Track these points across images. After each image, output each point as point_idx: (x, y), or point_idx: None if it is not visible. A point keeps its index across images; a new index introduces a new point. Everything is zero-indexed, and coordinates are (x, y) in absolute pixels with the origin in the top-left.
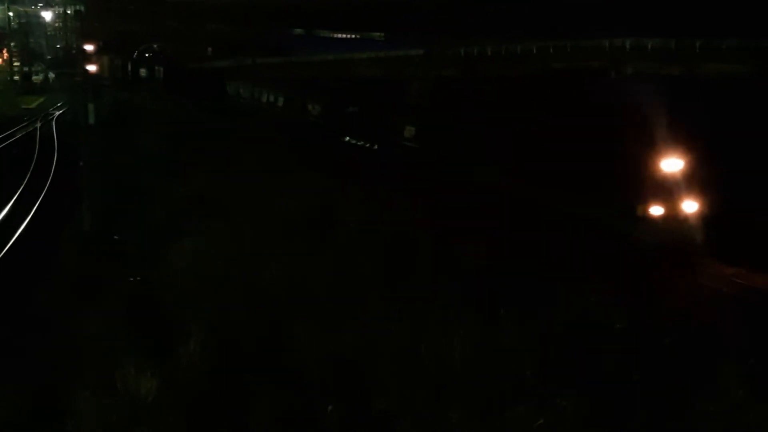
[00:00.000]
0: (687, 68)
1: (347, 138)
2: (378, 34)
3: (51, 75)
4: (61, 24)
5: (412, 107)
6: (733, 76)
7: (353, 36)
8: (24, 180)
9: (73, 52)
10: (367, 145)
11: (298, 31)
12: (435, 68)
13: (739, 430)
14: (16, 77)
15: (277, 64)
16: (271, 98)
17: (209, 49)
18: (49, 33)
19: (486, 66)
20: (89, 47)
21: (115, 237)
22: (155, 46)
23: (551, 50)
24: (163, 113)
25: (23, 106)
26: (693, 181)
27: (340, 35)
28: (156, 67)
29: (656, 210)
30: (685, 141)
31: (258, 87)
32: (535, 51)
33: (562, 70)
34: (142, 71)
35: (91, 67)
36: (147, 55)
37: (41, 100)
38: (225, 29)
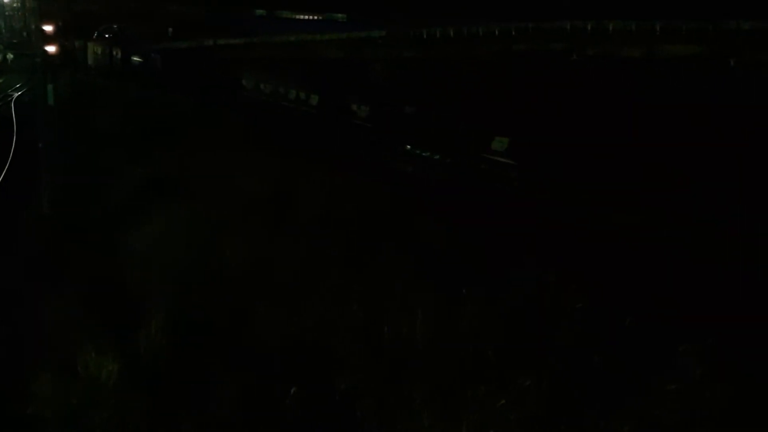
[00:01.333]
0: (647, 50)
1: (408, 147)
2: (341, 15)
3: (10, 56)
4: (19, 4)
5: (496, 110)
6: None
7: (315, 17)
8: None
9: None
10: (436, 156)
11: (260, 12)
12: (397, 49)
13: (697, 408)
14: None
15: (238, 45)
16: (302, 95)
17: (170, 29)
18: (7, 13)
19: (448, 48)
20: (48, 28)
21: None
22: (115, 26)
23: (513, 32)
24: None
25: None
26: None
27: (302, 16)
28: (152, 55)
29: None
30: None
31: (284, 81)
32: (497, 33)
33: (524, 51)
34: (135, 58)
35: (51, 48)
36: (107, 35)
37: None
38: (186, 10)
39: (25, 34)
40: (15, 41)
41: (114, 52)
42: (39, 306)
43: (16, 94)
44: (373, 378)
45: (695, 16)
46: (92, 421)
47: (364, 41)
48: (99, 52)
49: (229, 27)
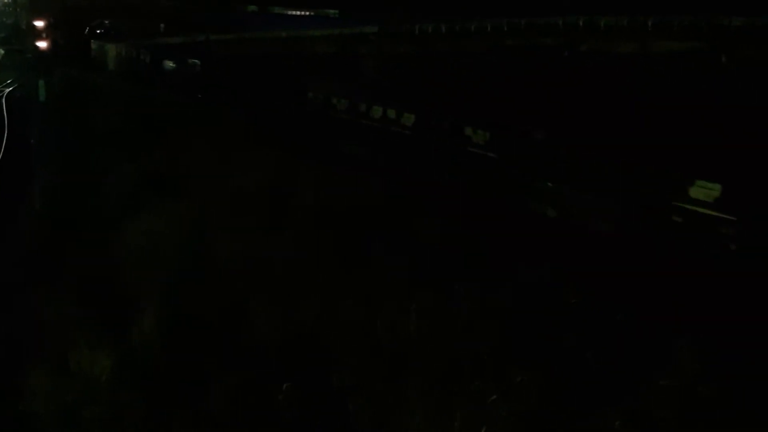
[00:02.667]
0: (640, 46)
1: (549, 184)
2: (332, 11)
3: (0, 51)
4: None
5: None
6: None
7: (308, 13)
8: None
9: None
10: (599, 201)
11: (252, 8)
12: (390, 45)
13: (691, 404)
14: None
15: (230, 41)
16: (391, 113)
17: (162, 25)
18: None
19: (441, 43)
20: (39, 23)
21: None
22: (107, 22)
23: (505, 27)
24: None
25: None
26: None
27: (294, 12)
28: (190, 60)
29: None
30: None
31: (364, 96)
32: (489, 28)
33: (517, 47)
34: (168, 63)
35: (42, 44)
36: (98, 31)
37: None
38: (178, 5)
39: (15, 29)
40: (14, 40)
41: (141, 56)
42: (31, 302)
43: (7, 90)
44: (367, 373)
45: (688, 12)
46: (86, 418)
47: (357, 37)
48: (123, 54)
49: (223, 23)
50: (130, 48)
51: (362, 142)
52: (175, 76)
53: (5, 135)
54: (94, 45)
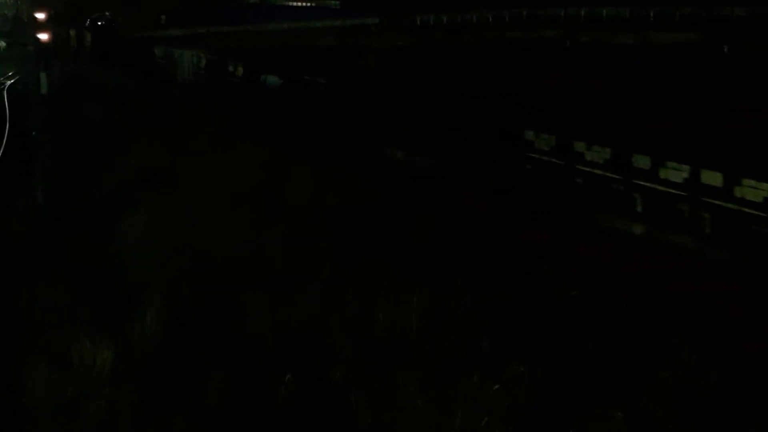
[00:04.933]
0: (641, 37)
1: None
2: (333, 2)
3: (2, 44)
4: None
5: None
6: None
7: (309, 4)
8: None
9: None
10: None
11: None
12: (391, 37)
13: (690, 395)
14: None
15: (231, 33)
16: (709, 179)
17: (163, 17)
18: (1, 1)
19: (442, 35)
20: (40, 15)
21: None
22: (107, 14)
23: (507, 19)
24: None
25: None
26: None
27: (296, 3)
28: (307, 77)
29: None
30: None
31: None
32: (491, 20)
33: (518, 39)
34: (272, 79)
35: (43, 36)
36: (99, 23)
37: None
38: None
39: (17, 22)
40: (15, 32)
41: (230, 67)
42: (33, 295)
43: (8, 83)
44: (368, 367)
45: (689, 2)
46: (87, 411)
47: (358, 29)
48: (202, 64)
49: (223, 14)
50: (213, 55)
51: (644, 220)
52: (282, 99)
53: (7, 128)
54: (158, 51)
